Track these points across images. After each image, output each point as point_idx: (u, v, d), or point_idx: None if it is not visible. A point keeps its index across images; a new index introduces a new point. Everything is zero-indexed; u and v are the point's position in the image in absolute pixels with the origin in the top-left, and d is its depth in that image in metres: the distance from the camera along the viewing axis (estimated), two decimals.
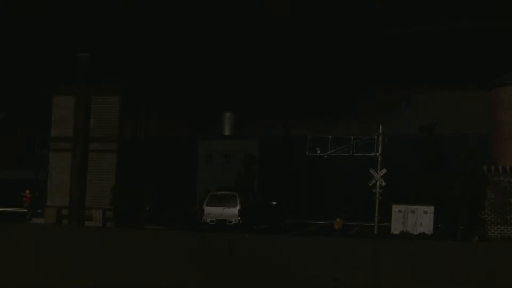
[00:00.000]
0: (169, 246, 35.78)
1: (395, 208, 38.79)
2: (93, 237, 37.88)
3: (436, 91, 53.68)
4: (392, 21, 48.19)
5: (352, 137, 41.50)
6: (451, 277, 31.72)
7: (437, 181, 38.96)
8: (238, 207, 38.71)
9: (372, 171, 39.50)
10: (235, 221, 38.63)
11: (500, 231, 37.08)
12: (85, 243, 37.03)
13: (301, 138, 44.09)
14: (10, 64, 53.20)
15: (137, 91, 46.79)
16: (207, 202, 39.51)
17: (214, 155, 59.88)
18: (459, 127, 48.46)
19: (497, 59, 44.29)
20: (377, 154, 39.94)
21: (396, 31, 48.89)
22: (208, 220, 39.05)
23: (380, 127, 40.09)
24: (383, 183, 39.16)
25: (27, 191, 46.96)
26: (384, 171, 39.23)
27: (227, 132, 61.78)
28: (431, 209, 38.11)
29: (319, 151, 42.45)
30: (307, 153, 42.79)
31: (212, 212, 39.02)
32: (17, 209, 49.55)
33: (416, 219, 38.23)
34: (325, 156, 42.51)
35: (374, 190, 39.49)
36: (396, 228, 38.51)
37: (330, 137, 41.88)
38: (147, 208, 42.21)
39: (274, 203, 46.16)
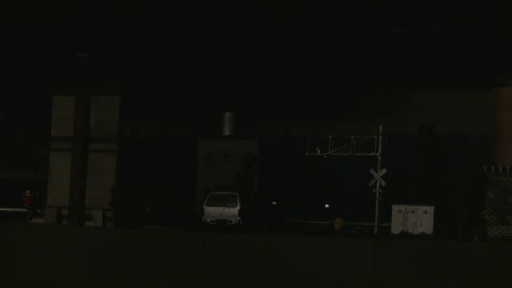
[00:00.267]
0: (169, 246, 35.78)
1: (395, 208, 38.78)
2: (93, 237, 37.88)
3: (436, 91, 53.69)
4: (392, 21, 48.19)
5: (352, 137, 41.49)
6: (451, 277, 31.72)
7: (437, 181, 38.96)
8: (238, 207, 38.70)
9: (372, 171, 39.49)
10: (235, 221, 38.62)
11: (500, 231, 37.08)
12: (85, 243, 37.02)
13: (301, 138, 44.08)
14: (10, 64, 53.19)
15: (137, 91, 46.79)
16: (207, 202, 39.50)
17: (214, 155, 59.91)
18: (459, 127, 48.46)
19: (497, 59, 44.29)
20: (377, 154, 39.94)
21: (396, 31, 48.89)
22: (208, 220, 39.04)
23: (380, 127, 40.08)
24: (383, 183, 39.16)
25: (27, 191, 46.94)
26: (384, 171, 39.22)
27: (227, 132, 61.81)
28: (431, 209, 38.11)
29: (319, 151, 42.44)
30: (307, 153, 42.78)
31: (212, 212, 39.02)
32: (17, 209, 49.53)
33: (416, 219, 38.22)
34: (325, 156, 42.50)
35: (374, 190, 39.48)
36: (396, 228, 38.51)
37: (330, 137, 41.87)
38: (147, 208, 42.21)
39: (274, 203, 46.18)
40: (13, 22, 48.97)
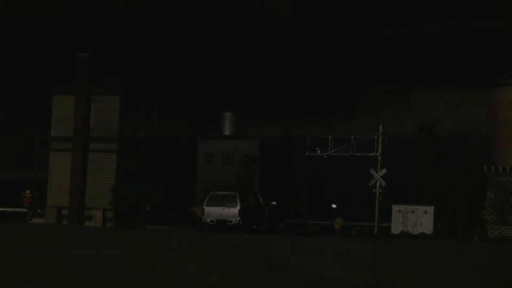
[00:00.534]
0: (169, 246, 35.77)
1: (395, 208, 38.78)
2: (93, 237, 37.87)
3: (436, 91, 53.69)
4: (392, 21, 48.16)
5: (352, 137, 41.50)
6: (451, 277, 31.72)
7: (437, 181, 38.95)
8: (238, 207, 38.68)
9: (372, 171, 39.49)
10: (235, 221, 38.60)
11: (500, 231, 37.08)
12: (85, 243, 37.01)
13: (301, 138, 44.08)
14: (10, 64, 53.19)
15: (137, 91, 46.79)
16: (207, 202, 39.49)
17: (214, 155, 60.01)
18: (459, 127, 48.46)
19: (497, 59, 44.28)
20: (377, 154, 39.94)
21: (396, 31, 48.86)
22: (208, 220, 39.03)
23: (380, 127, 40.08)
24: (383, 183, 39.16)
25: (27, 191, 46.93)
26: (384, 171, 39.22)
27: (227, 132, 61.88)
28: (431, 209, 38.10)
29: (319, 151, 42.46)
30: (307, 153, 42.80)
31: (212, 212, 39.00)
32: (17, 209, 49.53)
33: (416, 219, 38.22)
34: (325, 156, 42.53)
35: (374, 190, 39.49)
36: (396, 228, 38.51)
37: (330, 137, 41.87)
38: (147, 208, 42.20)
39: (274, 203, 46.18)
40: (13, 22, 48.95)
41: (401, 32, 48.88)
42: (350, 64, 52.09)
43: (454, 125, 47.23)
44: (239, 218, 38.61)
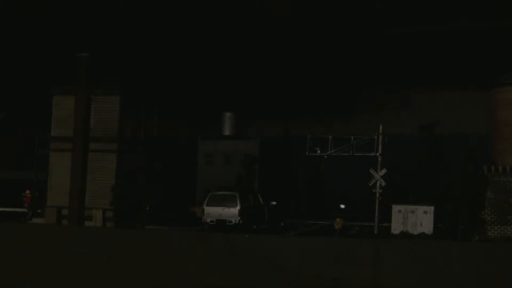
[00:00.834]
0: (169, 246, 35.78)
1: (395, 208, 38.78)
2: (93, 237, 37.88)
3: (436, 91, 53.71)
4: (392, 21, 48.15)
5: (352, 137, 41.51)
6: (451, 277, 31.72)
7: (437, 181, 38.96)
8: (238, 207, 38.67)
9: (372, 171, 39.50)
10: (235, 221, 38.59)
11: (500, 231, 37.07)
12: (85, 243, 37.02)
13: (301, 138, 44.10)
14: (10, 64, 53.18)
15: (137, 91, 46.78)
16: (207, 202, 39.48)
17: (214, 155, 60.03)
18: (459, 127, 48.48)
19: (497, 59, 44.28)
20: (377, 154, 39.94)
21: (396, 31, 48.86)
22: (208, 220, 39.02)
23: (380, 127, 40.08)
24: (383, 183, 39.17)
25: (27, 191, 46.92)
26: (384, 171, 39.23)
27: (227, 132, 61.91)
28: (431, 209, 38.11)
29: (319, 151, 42.48)
30: (307, 153, 42.81)
31: (212, 212, 38.98)
32: (17, 209, 49.53)
33: (416, 219, 38.22)
34: (325, 156, 42.54)
35: (374, 190, 39.50)
36: (396, 228, 38.51)
37: (330, 137, 41.88)
38: (147, 208, 42.21)
39: (274, 203, 46.19)
40: (13, 22, 48.95)
41: (401, 32, 48.88)
42: (350, 64, 52.10)
43: (454, 125, 47.25)
44: (239, 218, 38.60)
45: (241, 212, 38.65)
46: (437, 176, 39.26)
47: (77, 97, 44.26)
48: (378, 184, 39.28)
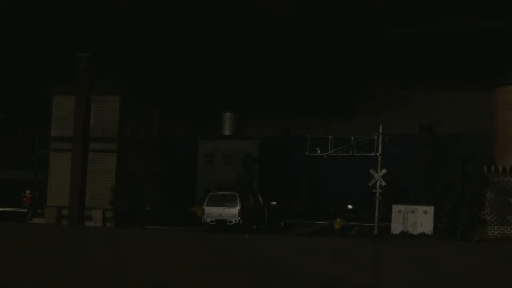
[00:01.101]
0: (169, 246, 35.76)
1: (395, 208, 38.79)
2: (93, 237, 37.86)
3: (436, 91, 53.77)
4: (392, 21, 48.19)
5: (352, 137, 41.51)
6: (451, 277, 31.71)
7: (437, 181, 38.97)
8: (238, 207, 38.64)
9: (372, 171, 39.50)
10: (235, 221, 38.56)
11: (500, 231, 37.08)
12: (85, 243, 37.00)
13: (301, 138, 44.11)
14: (10, 64, 53.21)
15: (137, 91, 46.78)
16: (207, 202, 39.45)
17: (214, 155, 60.06)
18: (459, 127, 48.50)
19: (497, 59, 44.30)
20: (377, 154, 39.94)
21: (396, 31, 48.90)
22: (208, 220, 38.99)
23: (380, 127, 40.10)
24: (383, 183, 39.17)
25: (27, 191, 46.91)
26: (384, 171, 39.24)
27: (227, 132, 61.96)
28: (431, 209, 38.11)
29: (319, 151, 42.48)
30: (307, 153, 42.81)
31: (212, 212, 38.96)
32: (17, 209, 49.53)
33: (416, 219, 38.23)
34: (325, 156, 42.53)
35: (374, 190, 39.50)
36: (396, 228, 38.51)
37: (330, 137, 41.88)
38: (147, 208, 42.21)
39: (274, 203, 46.21)
40: (13, 22, 48.97)
41: (401, 32, 48.91)
42: (350, 64, 52.13)
43: (454, 125, 47.29)
44: (239, 218, 38.57)
45: (241, 212, 38.63)
46: (437, 176, 39.25)
47: (77, 97, 44.23)
48: (378, 184, 39.28)
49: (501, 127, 39.29)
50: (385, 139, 40.11)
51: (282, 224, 44.51)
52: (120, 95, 44.16)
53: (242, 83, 55.49)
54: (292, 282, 33.29)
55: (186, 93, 55.61)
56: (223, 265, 34.19)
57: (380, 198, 39.39)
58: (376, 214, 39.19)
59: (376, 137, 40.14)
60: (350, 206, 62.48)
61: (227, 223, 38.47)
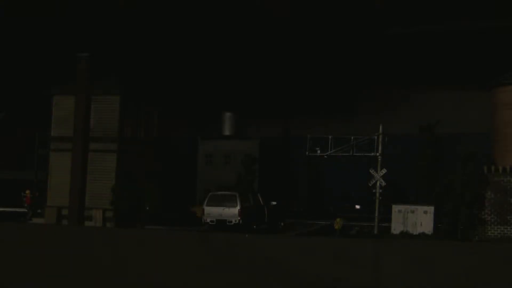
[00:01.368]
0: (169, 246, 35.75)
1: (395, 208, 38.79)
2: (93, 237, 37.86)
3: (436, 91, 53.78)
4: (392, 21, 48.20)
5: (352, 137, 41.51)
6: (451, 277, 31.71)
7: (437, 181, 38.97)
8: (238, 207, 38.63)
9: (372, 171, 39.50)
10: (235, 221, 38.55)
11: (500, 231, 37.08)
12: (85, 243, 37.00)
13: (301, 138, 44.11)
14: (10, 64, 53.20)
15: (137, 91, 46.78)
16: (207, 202, 39.45)
17: (214, 155, 60.06)
18: (459, 127, 48.51)
19: (497, 59, 44.31)
20: (377, 154, 39.94)
21: (396, 31, 48.90)
22: (208, 220, 38.99)
23: (380, 127, 40.10)
24: (383, 183, 39.17)
25: (27, 191, 46.91)
26: (384, 171, 39.24)
27: (227, 132, 61.96)
28: (431, 209, 38.11)
29: (319, 151, 42.49)
30: (307, 153, 42.81)
31: (212, 212, 38.96)
32: (17, 209, 49.53)
33: (416, 219, 38.22)
34: (325, 156, 42.53)
35: (374, 190, 39.50)
36: (396, 228, 38.51)
37: (330, 137, 41.89)
38: (147, 208, 42.21)
39: (274, 203, 46.22)
40: (13, 22, 48.97)
41: (401, 32, 48.92)
42: (350, 64, 52.13)
43: (454, 125, 47.29)
44: (239, 218, 38.57)
45: (241, 212, 38.64)
46: (437, 176, 39.24)
47: (77, 97, 44.23)
48: (378, 184, 39.28)
49: (501, 127, 39.28)
50: (385, 139, 40.11)
51: (282, 224, 44.51)
52: (120, 95, 44.16)
53: (242, 83, 55.49)
54: (292, 282, 33.28)
55: (186, 93, 55.61)
56: (223, 265, 34.18)
57: (380, 198, 39.40)
58: (376, 214, 39.19)
59: (376, 137, 40.14)
60: (357, 206, 62.41)
61: (227, 223, 38.47)
